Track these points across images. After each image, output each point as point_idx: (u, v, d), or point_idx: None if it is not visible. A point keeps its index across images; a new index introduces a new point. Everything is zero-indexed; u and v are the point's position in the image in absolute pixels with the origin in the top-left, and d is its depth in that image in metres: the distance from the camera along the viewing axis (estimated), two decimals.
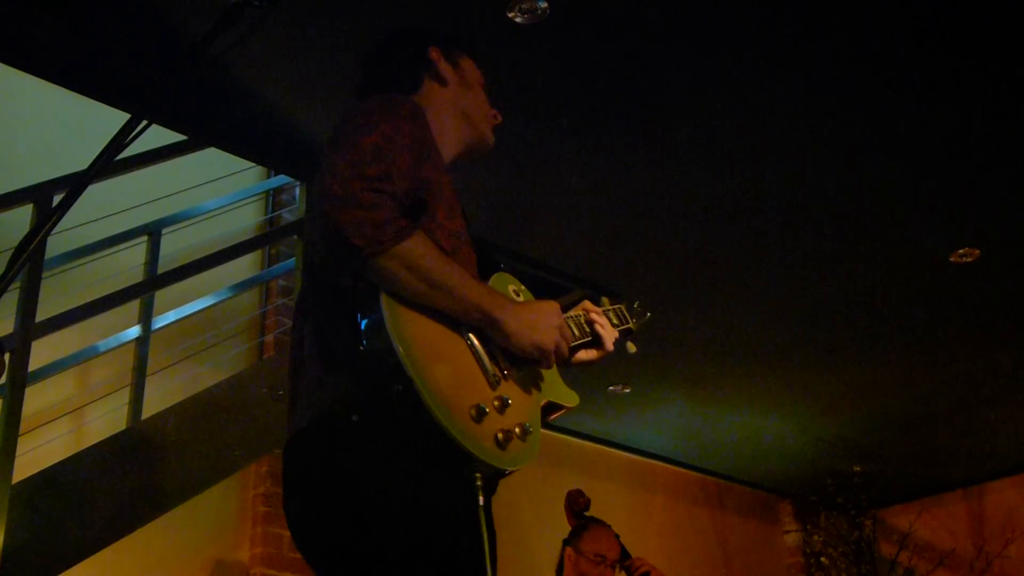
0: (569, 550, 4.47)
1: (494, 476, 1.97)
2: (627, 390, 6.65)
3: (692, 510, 8.20)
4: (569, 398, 2.28)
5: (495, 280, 2.26)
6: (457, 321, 1.99)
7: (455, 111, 2.39)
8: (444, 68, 2.41)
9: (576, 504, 4.63)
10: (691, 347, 6.25)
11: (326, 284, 2.07)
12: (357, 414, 1.92)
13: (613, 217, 5.03)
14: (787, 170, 4.71)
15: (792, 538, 8.77)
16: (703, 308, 5.83)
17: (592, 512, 4.66)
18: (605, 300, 2.64)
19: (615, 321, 2.59)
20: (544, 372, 2.19)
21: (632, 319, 2.70)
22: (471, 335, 2.01)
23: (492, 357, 2.03)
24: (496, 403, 1.98)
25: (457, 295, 1.97)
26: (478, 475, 1.93)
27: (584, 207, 4.98)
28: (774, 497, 8.80)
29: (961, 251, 5.26)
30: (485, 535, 1.92)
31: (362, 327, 1.92)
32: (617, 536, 4.52)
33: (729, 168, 4.69)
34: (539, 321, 2.08)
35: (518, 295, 2.29)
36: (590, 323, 2.47)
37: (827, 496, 8.29)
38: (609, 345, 2.48)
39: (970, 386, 6.78)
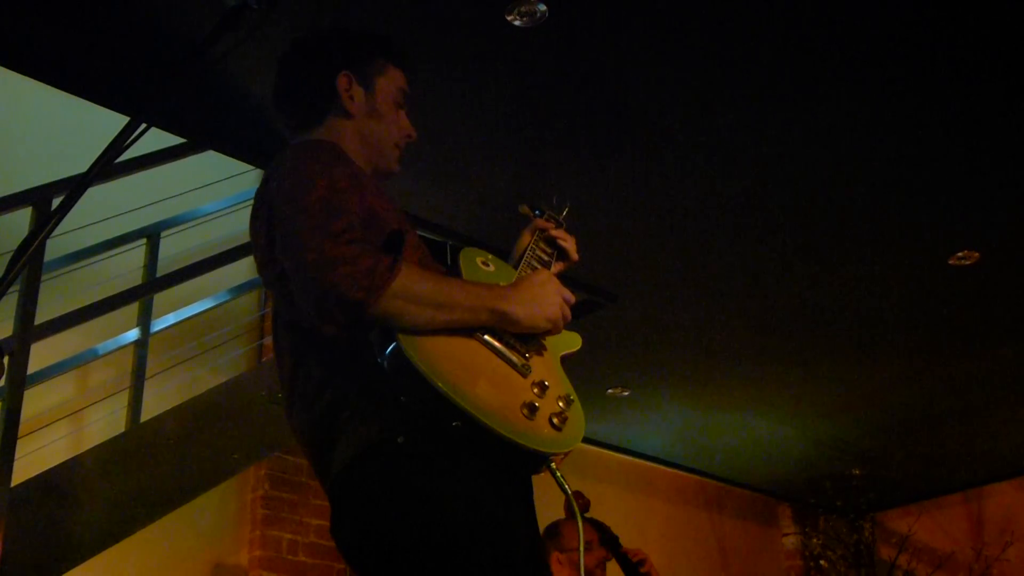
0: (556, 554, 4.44)
1: (563, 457, 1.98)
2: (626, 393, 6.65)
3: (691, 513, 8.19)
4: (573, 341, 2.27)
5: (463, 259, 2.26)
6: (467, 328, 1.98)
7: (360, 139, 2.34)
8: (354, 95, 2.33)
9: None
10: (690, 350, 6.25)
11: (323, 340, 2.02)
12: (403, 436, 1.91)
13: (611, 219, 5.03)
14: (787, 172, 4.71)
15: (791, 541, 8.77)
16: (701, 311, 5.83)
17: (591, 515, 4.66)
18: (525, 208, 2.65)
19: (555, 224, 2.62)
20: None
21: (560, 215, 2.70)
22: (484, 335, 2.00)
23: (510, 346, 2.02)
24: (536, 391, 1.98)
25: (464, 305, 1.96)
26: (554, 465, 1.94)
27: (582, 209, 4.97)
28: (773, 500, 8.80)
29: (960, 254, 5.26)
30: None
31: (392, 375, 1.89)
32: (589, 519, 4.51)
33: (727, 170, 4.69)
34: (540, 294, 2.09)
35: (487, 264, 2.30)
36: (550, 240, 2.52)
37: (826, 499, 8.29)
38: (574, 254, 2.56)
39: (969, 389, 6.78)
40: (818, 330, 6.05)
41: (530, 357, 2.05)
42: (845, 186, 4.79)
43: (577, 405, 2.05)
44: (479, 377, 1.92)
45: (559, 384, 2.07)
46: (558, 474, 1.96)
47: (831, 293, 5.66)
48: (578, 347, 2.26)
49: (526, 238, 2.54)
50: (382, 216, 2.09)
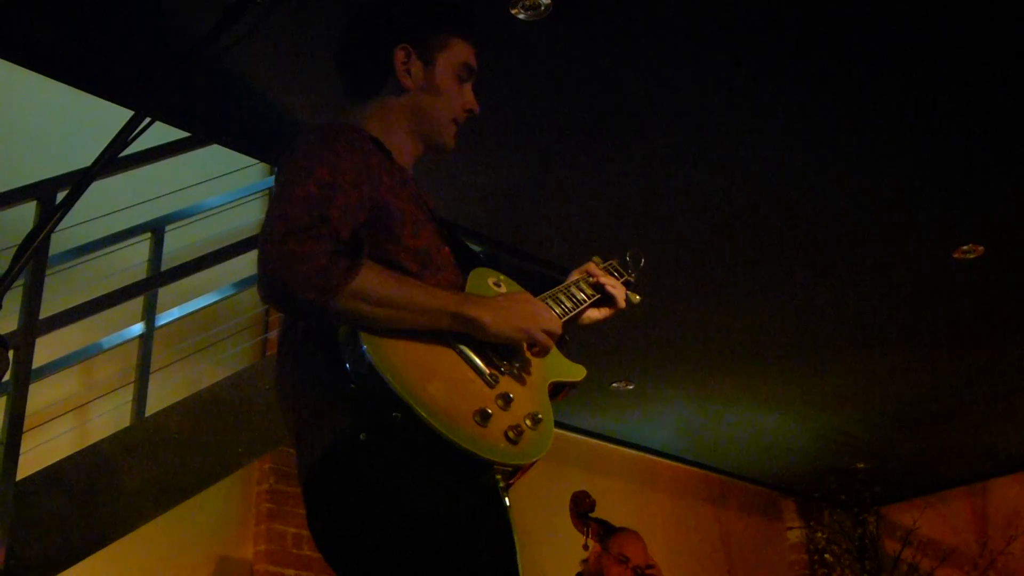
0: (596, 546, 4.57)
1: (514, 473, 1.96)
2: (630, 387, 6.65)
3: (695, 507, 8.20)
4: (575, 372, 2.26)
5: (473, 276, 2.23)
6: (440, 333, 1.99)
7: (413, 114, 2.30)
8: (411, 70, 2.28)
9: (582, 505, 4.65)
10: (694, 344, 6.25)
11: (298, 329, 2.07)
12: (364, 432, 1.92)
13: (615, 214, 5.03)
14: (789, 167, 4.70)
15: (795, 535, 8.77)
16: (705, 305, 5.82)
17: (596, 512, 4.68)
18: (597, 259, 2.63)
19: (615, 276, 2.62)
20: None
21: (628, 271, 2.72)
22: (458, 343, 2.00)
23: (484, 358, 2.02)
24: (499, 402, 1.97)
25: (423, 308, 1.95)
26: (499, 477, 1.93)
27: (585, 204, 4.98)
28: (777, 494, 8.80)
29: (964, 248, 5.25)
30: (516, 539, 1.93)
31: (347, 366, 1.91)
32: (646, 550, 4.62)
33: (731, 165, 4.68)
34: (514, 307, 2.07)
35: (499, 285, 2.26)
36: (598, 286, 2.50)
37: (830, 493, 8.29)
38: (621, 302, 2.54)
39: (973, 383, 6.77)
40: (822, 324, 6.04)
41: (505, 371, 2.04)
42: (849, 180, 4.77)
43: (546, 426, 2.03)
44: (434, 377, 1.93)
45: (529, 401, 2.06)
46: (500, 485, 1.93)
47: (835, 287, 5.65)
48: (579, 378, 2.26)
49: (573, 276, 2.53)
50: (393, 211, 2.08)
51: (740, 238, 5.22)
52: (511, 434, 1.94)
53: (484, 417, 1.92)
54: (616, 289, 2.54)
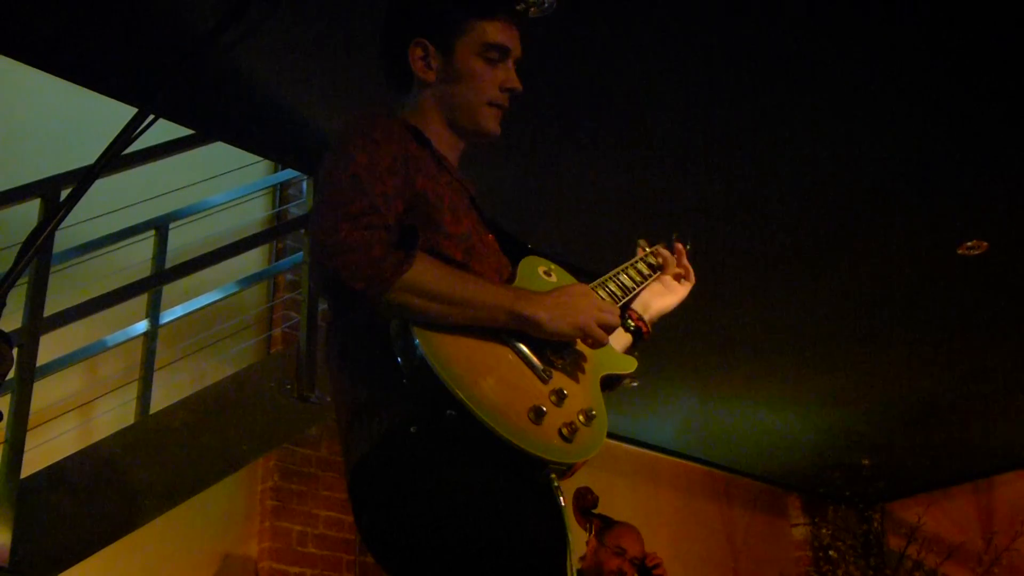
0: (593, 540, 4.58)
1: (568, 470, 1.93)
2: (635, 383, 6.64)
3: (700, 503, 8.20)
4: (627, 364, 2.24)
5: (523, 265, 2.20)
6: (493, 330, 1.96)
7: (442, 105, 2.25)
8: (431, 63, 2.23)
9: (584, 501, 4.65)
10: (698, 340, 6.24)
11: (347, 320, 2.05)
12: (415, 426, 1.90)
13: (617, 211, 5.02)
14: (793, 163, 4.70)
15: (800, 531, 8.77)
16: (709, 301, 5.82)
17: (600, 508, 4.69)
18: (643, 242, 2.60)
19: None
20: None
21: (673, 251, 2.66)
22: (511, 338, 1.97)
23: (539, 353, 1.99)
24: (553, 398, 1.94)
25: (478, 304, 1.93)
26: (553, 476, 1.90)
27: (588, 201, 4.98)
28: (782, 490, 8.80)
29: (969, 243, 5.24)
30: (570, 537, 1.91)
31: (399, 360, 1.89)
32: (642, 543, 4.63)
33: (734, 161, 4.68)
34: (569, 302, 2.02)
35: (549, 275, 2.23)
36: (650, 265, 2.51)
37: (835, 489, 8.28)
38: (672, 266, 2.57)
39: (978, 379, 6.77)
40: (827, 321, 6.04)
41: (558, 366, 2.02)
42: (854, 176, 4.77)
43: (600, 422, 2.00)
44: (488, 374, 1.90)
45: (583, 397, 2.03)
46: (555, 484, 1.90)
47: (839, 283, 5.65)
48: (631, 370, 2.23)
49: (637, 256, 2.51)
50: (431, 199, 2.06)
51: (743, 235, 5.21)
52: (565, 431, 1.91)
53: (538, 415, 1.89)
54: (660, 258, 2.54)
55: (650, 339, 2.49)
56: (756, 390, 6.95)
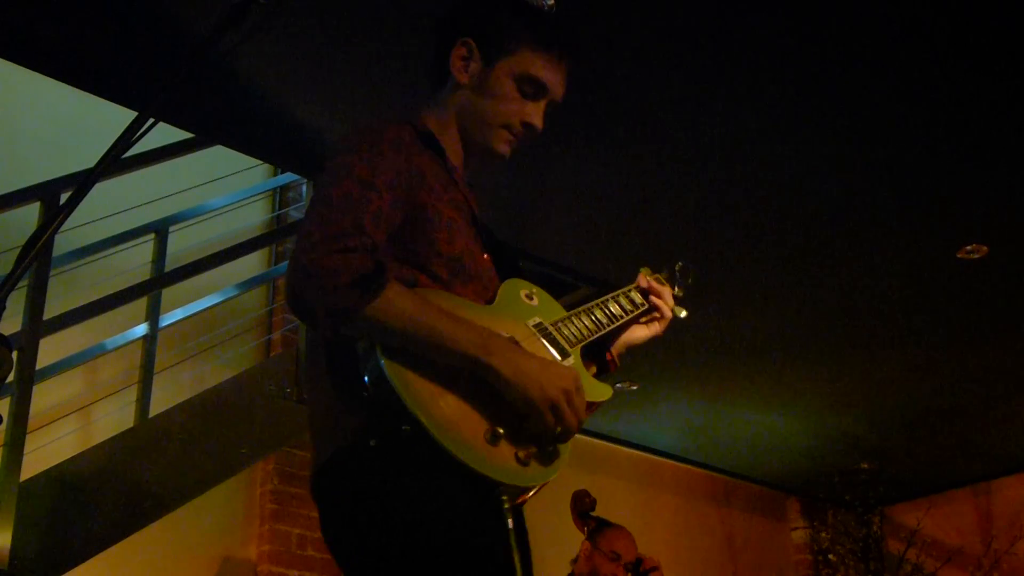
0: (586, 543, 4.58)
1: (521, 493, 1.93)
2: (634, 387, 6.64)
3: (699, 507, 8.19)
4: (600, 392, 2.18)
5: (505, 288, 2.16)
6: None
7: (465, 112, 2.21)
8: (470, 66, 2.19)
9: (582, 504, 4.66)
10: (698, 344, 6.23)
11: (318, 336, 2.03)
12: (375, 439, 1.89)
13: (616, 213, 5.03)
14: (792, 166, 4.69)
15: (799, 535, 8.75)
16: (709, 305, 5.82)
17: (599, 511, 4.69)
18: (645, 270, 2.55)
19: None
20: None
21: (676, 285, 2.61)
22: None
23: None
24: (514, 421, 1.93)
25: (443, 347, 1.87)
26: (504, 498, 1.89)
27: (586, 203, 4.98)
28: (781, 494, 8.78)
29: (968, 247, 5.24)
30: (517, 559, 1.90)
31: (364, 376, 1.88)
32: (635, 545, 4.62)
33: (733, 164, 4.68)
34: (543, 375, 1.92)
35: (531, 298, 2.20)
36: (644, 293, 2.45)
37: (834, 493, 8.27)
38: (667, 312, 2.47)
39: (978, 383, 6.76)
40: (826, 324, 6.03)
41: None
42: (852, 180, 4.77)
43: (559, 449, 1.97)
44: (448, 393, 1.89)
45: None
46: (505, 506, 1.89)
47: (839, 288, 5.64)
48: (606, 398, 2.18)
49: (636, 283, 2.48)
50: (430, 214, 2.04)
51: (742, 238, 5.21)
52: (521, 455, 1.90)
53: (495, 437, 1.88)
54: (662, 300, 2.46)
55: (616, 372, 2.43)
56: (756, 394, 6.94)
